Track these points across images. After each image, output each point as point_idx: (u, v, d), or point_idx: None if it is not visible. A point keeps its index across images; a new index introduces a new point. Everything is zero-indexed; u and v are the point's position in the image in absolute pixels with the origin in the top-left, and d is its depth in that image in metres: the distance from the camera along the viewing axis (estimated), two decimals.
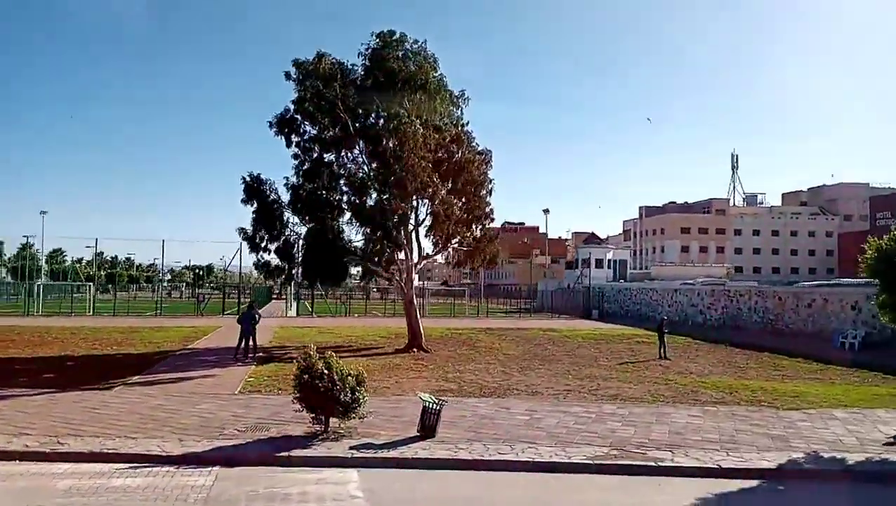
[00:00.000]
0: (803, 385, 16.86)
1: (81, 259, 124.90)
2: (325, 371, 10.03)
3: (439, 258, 26.60)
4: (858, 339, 25.61)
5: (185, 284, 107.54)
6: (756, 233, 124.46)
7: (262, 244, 21.22)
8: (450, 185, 23.40)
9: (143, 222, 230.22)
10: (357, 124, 21.32)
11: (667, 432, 11.16)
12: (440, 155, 22.35)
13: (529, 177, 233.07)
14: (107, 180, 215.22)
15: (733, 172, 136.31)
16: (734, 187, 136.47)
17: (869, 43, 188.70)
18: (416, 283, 23.98)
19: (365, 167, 21.47)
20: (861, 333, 25.57)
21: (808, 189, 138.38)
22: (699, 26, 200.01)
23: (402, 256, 24.14)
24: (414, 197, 21.45)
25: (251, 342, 19.36)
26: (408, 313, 23.71)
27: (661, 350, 22.89)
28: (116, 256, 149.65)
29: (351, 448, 9.56)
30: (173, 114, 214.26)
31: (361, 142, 21.25)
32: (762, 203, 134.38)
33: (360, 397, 10.25)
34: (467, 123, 24.94)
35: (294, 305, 49.93)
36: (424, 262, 25.81)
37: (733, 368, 20.47)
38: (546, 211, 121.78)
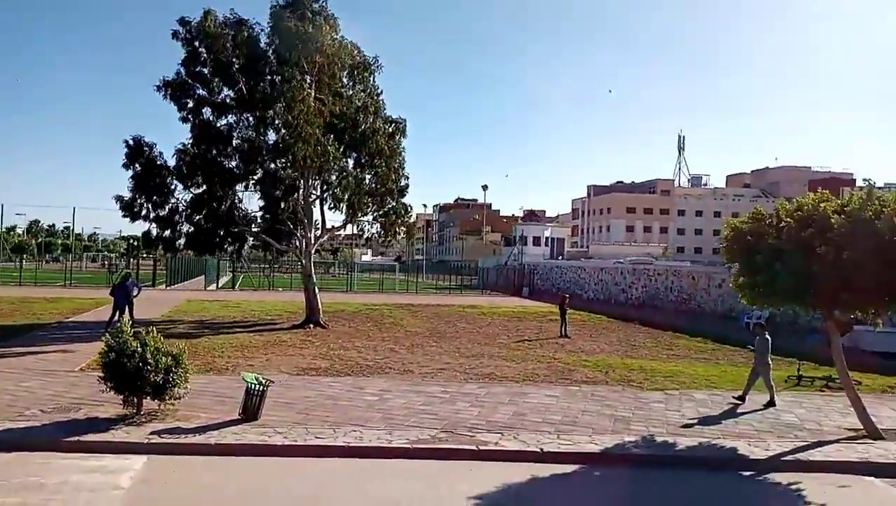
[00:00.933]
0: (685, 365, 16.80)
1: (14, 227, 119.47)
2: (139, 350, 9.26)
3: (351, 230, 25.74)
4: (763, 320, 25.87)
5: (116, 254, 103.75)
6: (699, 214, 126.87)
7: (143, 212, 20.01)
8: (355, 154, 22.56)
9: (85, 191, 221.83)
10: (252, 88, 20.21)
11: (511, 413, 10.77)
12: (343, 124, 21.45)
13: (486, 155, 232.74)
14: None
15: (679, 154, 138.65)
16: (680, 168, 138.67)
17: (823, 29, 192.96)
18: (314, 255, 23.10)
19: (255, 133, 20.37)
20: (765, 315, 25.84)
21: (752, 172, 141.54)
22: (650, 8, 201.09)
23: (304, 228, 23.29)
24: (312, 167, 20.52)
25: (126, 315, 18.32)
26: (305, 288, 22.94)
27: (563, 328, 22.79)
28: (54, 225, 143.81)
29: (152, 433, 8.84)
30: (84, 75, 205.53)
31: (260, 106, 20.15)
32: (706, 185, 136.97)
33: (176, 377, 9.50)
34: (381, 93, 24.09)
35: (223, 278, 48.54)
36: (328, 235, 25.00)
37: (627, 346, 20.42)
38: (485, 187, 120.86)
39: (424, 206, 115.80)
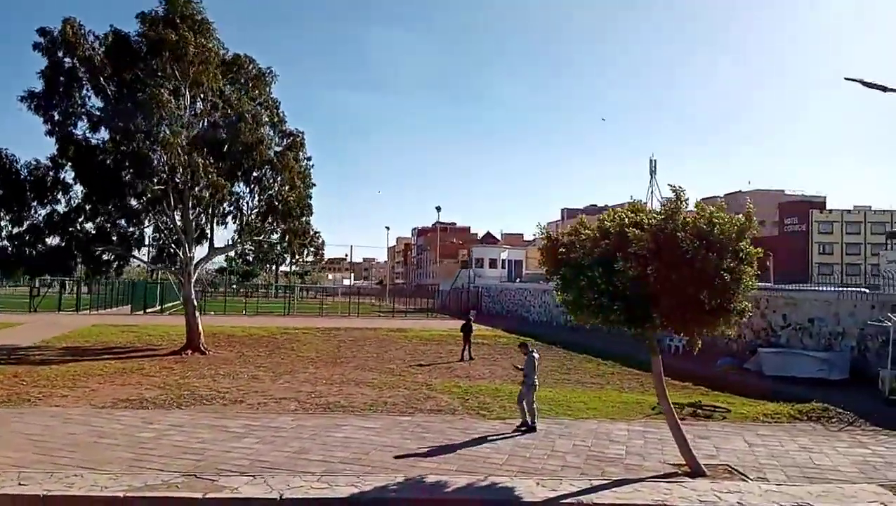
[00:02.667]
0: (568, 391, 15.59)
1: None
2: None
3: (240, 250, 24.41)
4: (682, 343, 24.76)
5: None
6: None
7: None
8: (240, 170, 21.42)
9: None
10: (119, 98, 19.06)
11: (296, 449, 9.46)
12: (219, 135, 20.32)
13: (470, 179, 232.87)
14: None
15: (651, 177, 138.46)
16: (652, 192, 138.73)
17: (790, 54, 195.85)
18: (194, 277, 21.73)
19: (118, 145, 19.13)
20: (685, 338, 24.73)
21: (725, 195, 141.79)
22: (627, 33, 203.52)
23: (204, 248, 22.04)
24: (180, 180, 19.29)
25: None
26: (185, 312, 21.56)
27: (465, 351, 21.66)
28: None
29: None
30: None
31: (125, 117, 18.96)
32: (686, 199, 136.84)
33: None
34: (279, 105, 23.09)
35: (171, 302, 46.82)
36: (216, 255, 23.70)
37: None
38: (438, 208, 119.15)
39: (387, 228, 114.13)
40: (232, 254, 26.09)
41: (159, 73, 18.65)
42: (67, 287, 44.20)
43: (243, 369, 17.67)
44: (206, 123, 20.28)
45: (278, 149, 22.78)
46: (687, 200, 9.14)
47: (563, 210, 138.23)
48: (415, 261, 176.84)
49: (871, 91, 10.00)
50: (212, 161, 19.57)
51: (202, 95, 20.68)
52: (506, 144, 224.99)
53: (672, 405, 9.55)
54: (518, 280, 59.89)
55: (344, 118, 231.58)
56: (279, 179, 22.41)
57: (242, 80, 22.24)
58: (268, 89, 22.75)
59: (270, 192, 22.37)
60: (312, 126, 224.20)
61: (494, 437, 10.65)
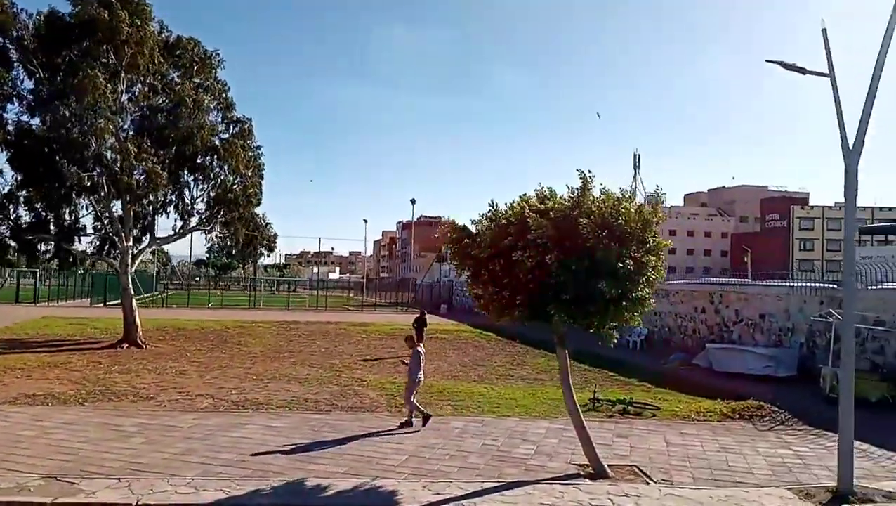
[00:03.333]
0: (502, 387, 15.14)
1: None
2: None
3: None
4: (641, 337, 24.45)
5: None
6: None
7: None
8: (167, 153, 20.68)
9: None
10: (47, 79, 18.33)
11: (176, 452, 8.87)
12: (156, 119, 19.64)
13: (459, 173, 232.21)
14: None
15: (635, 172, 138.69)
16: (636, 187, 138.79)
17: (779, 52, 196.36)
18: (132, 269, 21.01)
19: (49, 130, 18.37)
20: (643, 333, 24.40)
21: (709, 190, 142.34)
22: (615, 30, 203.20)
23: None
24: (111, 167, 18.57)
25: None
26: (122, 304, 20.89)
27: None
28: None
29: None
30: None
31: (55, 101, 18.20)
32: (663, 203, 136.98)
33: None
34: (227, 90, 22.42)
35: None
36: (157, 245, 23.04)
37: (471, 366, 18.85)
38: (413, 201, 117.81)
39: (365, 221, 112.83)
40: (206, 246, 25.27)
41: (92, 56, 17.88)
42: (38, 279, 43.21)
43: (174, 364, 17.05)
44: (144, 108, 19.53)
45: (225, 136, 22.14)
46: (593, 187, 8.52)
47: None
48: (399, 255, 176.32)
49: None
50: (149, 147, 18.88)
51: (142, 79, 19.93)
52: (495, 139, 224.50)
53: (577, 403, 9.05)
54: None
55: (337, 111, 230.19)
56: (225, 167, 21.77)
57: (187, 64, 21.51)
58: (214, 73, 22.05)
59: (215, 180, 21.68)
60: (307, 117, 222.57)
61: (403, 436, 10.14)
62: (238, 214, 22.32)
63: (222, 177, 21.96)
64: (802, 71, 8.77)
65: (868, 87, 7.95)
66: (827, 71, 8.36)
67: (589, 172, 8.37)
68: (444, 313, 44.07)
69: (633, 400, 13.00)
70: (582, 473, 8.59)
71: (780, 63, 9.00)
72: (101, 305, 40.57)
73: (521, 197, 8.98)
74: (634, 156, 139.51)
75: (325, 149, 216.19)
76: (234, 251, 24.12)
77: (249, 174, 22.43)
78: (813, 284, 17.58)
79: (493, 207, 9.03)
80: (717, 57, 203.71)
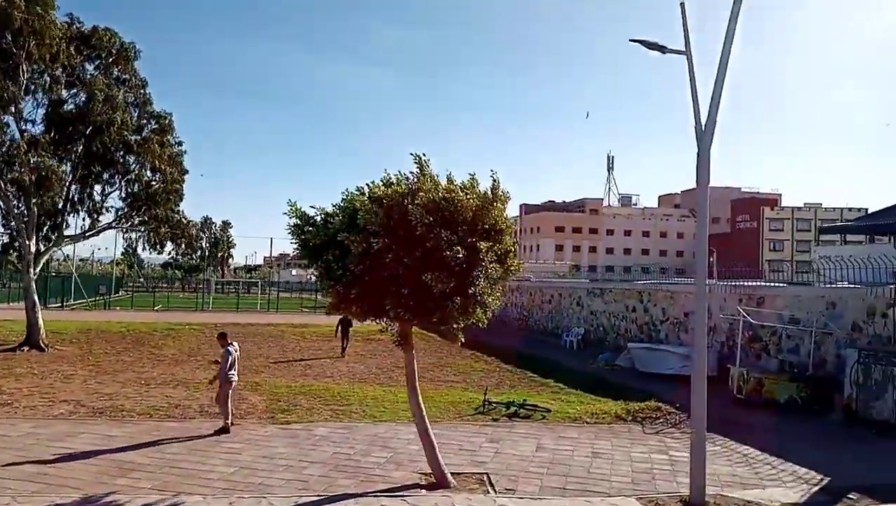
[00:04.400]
0: (403, 390, 14.39)
1: None
2: None
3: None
4: (578, 337, 23.90)
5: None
6: (628, 233, 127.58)
7: None
8: (77, 148, 19.79)
9: None
10: None
11: None
12: (66, 115, 18.75)
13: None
14: None
15: (609, 173, 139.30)
16: (609, 188, 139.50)
17: (762, 52, 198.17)
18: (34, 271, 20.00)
19: None
20: (580, 333, 23.86)
21: (682, 192, 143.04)
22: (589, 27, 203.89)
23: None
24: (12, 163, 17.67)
25: None
26: (25, 306, 19.92)
27: (343, 345, 20.55)
28: None
29: None
30: None
31: None
32: (636, 204, 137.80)
33: None
34: (145, 84, 21.53)
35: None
36: (63, 245, 22.11)
37: (393, 369, 18.12)
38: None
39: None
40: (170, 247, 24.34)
41: None
42: None
43: (67, 368, 16.16)
44: (48, 102, 18.61)
45: (146, 133, 21.28)
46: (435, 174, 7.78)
47: (521, 206, 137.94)
48: None
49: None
50: (47, 143, 17.95)
51: (49, 71, 19.02)
52: (472, 138, 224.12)
53: (423, 408, 8.36)
54: None
55: (336, 103, 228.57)
56: (145, 164, 20.91)
57: (103, 56, 20.62)
58: (131, 66, 21.16)
59: (129, 177, 20.80)
60: (309, 103, 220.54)
61: (248, 445, 9.38)
62: (157, 213, 21.43)
63: (138, 174, 21.08)
64: (662, 49, 8.20)
65: (717, 67, 7.41)
66: (684, 49, 7.80)
67: (424, 155, 7.67)
68: None
69: (525, 402, 12.36)
70: (423, 482, 7.93)
71: (642, 42, 8.44)
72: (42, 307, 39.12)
73: (370, 183, 8.27)
74: (608, 157, 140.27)
75: (313, 149, 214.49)
76: (156, 250, 23.03)
77: (170, 171, 21.55)
78: (731, 283, 17.11)
79: (346, 194, 8.26)
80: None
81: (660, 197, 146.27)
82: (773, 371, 13.86)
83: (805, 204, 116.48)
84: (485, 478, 8.15)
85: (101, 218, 20.68)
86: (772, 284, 16.37)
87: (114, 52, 20.71)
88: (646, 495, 7.70)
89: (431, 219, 7.25)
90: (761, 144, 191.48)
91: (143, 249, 22.73)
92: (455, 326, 7.99)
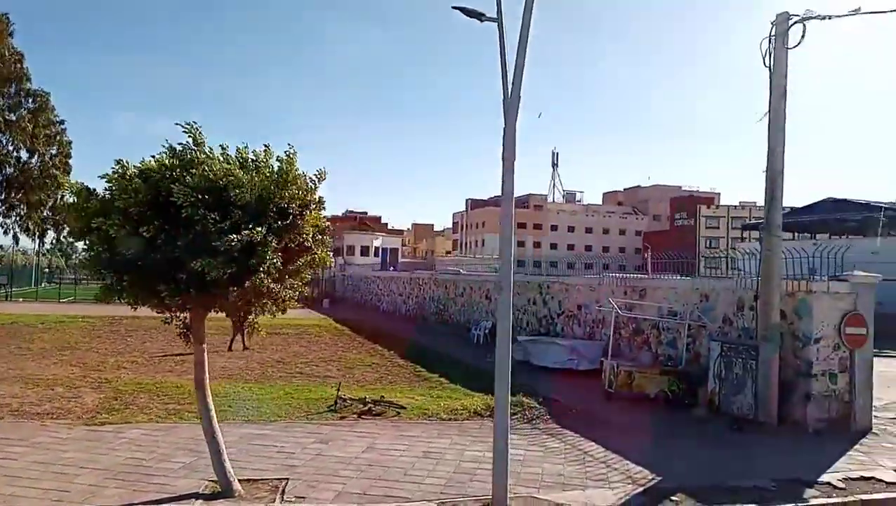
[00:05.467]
0: (271, 387, 13.52)
1: None
2: None
3: None
4: (486, 330, 23.34)
5: None
6: (571, 229, 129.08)
7: None
8: None
9: None
10: None
11: None
12: None
13: (378, 167, 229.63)
14: None
15: (553, 170, 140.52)
16: (554, 184, 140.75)
17: (700, 55, 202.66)
18: None
19: None
20: (488, 326, 23.32)
21: (625, 189, 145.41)
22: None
23: None
24: None
25: None
26: None
27: (242, 339, 19.52)
28: None
29: None
30: None
31: None
32: (580, 201, 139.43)
33: None
34: (22, 59, 20.00)
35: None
36: None
37: (276, 364, 17.18)
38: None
39: None
40: None
41: None
42: None
43: None
44: None
45: (21, 111, 19.74)
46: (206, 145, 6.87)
47: (467, 201, 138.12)
48: None
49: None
50: None
51: None
52: (418, 134, 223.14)
53: (210, 408, 7.50)
54: (392, 268, 57.89)
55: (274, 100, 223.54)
56: (20, 145, 19.39)
57: None
58: (7, 40, 19.58)
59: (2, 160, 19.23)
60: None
61: (34, 448, 8.40)
62: (36, 198, 19.92)
63: (16, 155, 19.52)
64: (480, 17, 7.54)
65: (519, 36, 6.80)
66: (496, 16, 7.16)
67: (195, 123, 6.78)
68: (326, 308, 42.24)
69: (382, 399, 11.64)
70: (206, 491, 7.11)
71: (462, 9, 7.77)
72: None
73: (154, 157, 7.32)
74: (553, 153, 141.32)
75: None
76: (33, 238, 21.47)
77: (48, 152, 20.07)
78: (617, 275, 16.81)
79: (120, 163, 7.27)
80: (636, 56, 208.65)
81: (604, 194, 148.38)
82: (646, 364, 13.51)
83: (740, 203, 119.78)
84: (280, 485, 7.38)
85: None
86: (656, 276, 16.08)
87: None
88: (449, 499, 7.08)
89: (196, 199, 6.38)
90: (715, 147, 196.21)
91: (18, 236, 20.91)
92: (246, 317, 7.23)
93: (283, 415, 10.77)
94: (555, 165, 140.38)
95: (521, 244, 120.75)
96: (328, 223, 8.04)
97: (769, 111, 11.18)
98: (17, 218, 20.49)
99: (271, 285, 6.79)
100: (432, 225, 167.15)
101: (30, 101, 19.81)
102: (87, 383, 13.17)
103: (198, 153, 6.70)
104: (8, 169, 19.42)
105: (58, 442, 8.72)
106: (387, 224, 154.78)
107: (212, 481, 7.36)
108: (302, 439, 9.34)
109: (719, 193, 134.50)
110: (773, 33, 11.13)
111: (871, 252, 40.16)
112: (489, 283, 24.18)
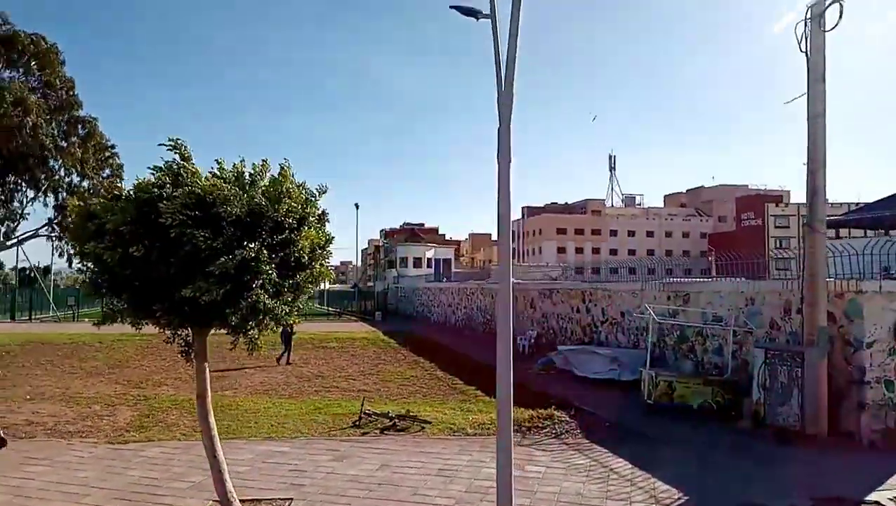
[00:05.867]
0: (301, 403, 13.50)
1: None
2: None
3: None
4: (531, 340, 22.86)
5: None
6: (631, 234, 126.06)
7: None
8: None
9: None
10: None
11: None
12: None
13: (433, 182, 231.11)
14: None
15: (611, 174, 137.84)
16: (612, 189, 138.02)
17: (757, 49, 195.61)
18: None
19: None
20: (533, 335, 22.83)
21: (687, 191, 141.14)
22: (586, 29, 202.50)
23: None
24: None
25: None
26: None
27: (286, 355, 19.87)
28: None
29: None
30: None
31: None
32: (640, 204, 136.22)
33: None
34: (73, 87, 20.90)
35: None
36: None
37: (304, 380, 17.23)
38: (356, 206, 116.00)
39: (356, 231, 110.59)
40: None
41: None
42: None
43: None
44: None
45: (73, 138, 20.64)
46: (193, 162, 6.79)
47: (523, 208, 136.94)
48: (384, 262, 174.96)
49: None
50: None
51: None
52: (472, 142, 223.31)
53: (213, 427, 7.37)
54: (445, 279, 57.85)
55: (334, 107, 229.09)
56: (67, 169, 20.28)
57: (25, 60, 20.01)
58: (59, 69, 20.53)
59: (54, 184, 20.17)
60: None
61: (53, 466, 8.53)
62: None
63: (67, 180, 20.42)
64: (476, 16, 7.26)
65: (509, 30, 6.49)
66: (489, 13, 6.86)
67: (178, 140, 6.70)
68: (378, 321, 42.43)
69: (408, 413, 11.38)
70: None
71: (458, 8, 7.51)
72: (27, 319, 38.67)
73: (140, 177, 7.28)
74: (610, 157, 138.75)
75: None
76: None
77: (102, 176, 20.89)
78: (662, 280, 16.05)
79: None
80: (700, 57, 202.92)
81: (665, 196, 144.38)
82: (687, 373, 12.77)
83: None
84: (283, 505, 7.21)
85: (15, 226, 20.02)
86: (701, 280, 15.27)
87: (39, 55, 20.12)
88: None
89: (184, 218, 6.29)
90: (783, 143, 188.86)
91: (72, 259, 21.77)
92: (247, 334, 7.09)
93: (305, 431, 10.65)
94: (612, 168, 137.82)
95: (579, 251, 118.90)
96: (333, 236, 7.84)
97: (807, 97, 10.41)
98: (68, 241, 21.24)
99: (267, 302, 6.63)
100: (490, 235, 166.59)
101: (80, 127, 20.51)
102: (125, 400, 13.46)
103: (186, 169, 6.63)
104: (62, 194, 20.07)
105: (78, 461, 8.85)
106: (444, 235, 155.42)
107: (215, 500, 7.25)
108: (318, 456, 9.18)
109: (788, 191, 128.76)
110: (808, 16, 10.40)
111: None
112: (533, 291, 23.66)
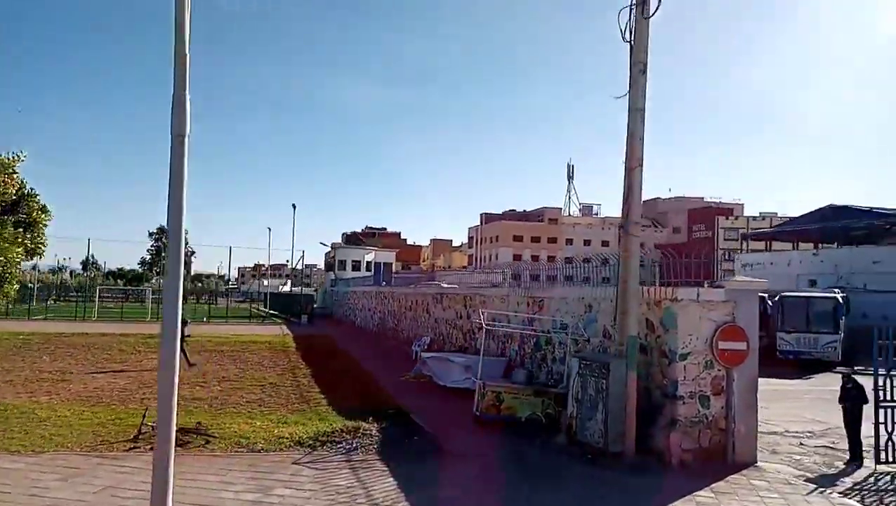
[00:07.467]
0: (98, 410, 12.29)
1: None
2: None
3: None
4: (424, 346, 21.92)
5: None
6: (587, 243, 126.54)
7: None
8: None
9: None
10: None
11: None
12: None
13: (397, 186, 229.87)
14: None
15: (569, 183, 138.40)
16: (570, 197, 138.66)
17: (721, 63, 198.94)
18: None
19: None
20: (427, 340, 21.91)
21: (644, 202, 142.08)
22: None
23: None
24: None
25: None
26: None
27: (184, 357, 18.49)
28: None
29: None
30: None
31: None
32: (597, 214, 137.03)
33: None
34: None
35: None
36: None
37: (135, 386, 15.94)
38: (293, 206, 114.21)
39: (269, 228, 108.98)
40: None
41: None
42: None
43: None
44: None
45: None
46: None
47: (482, 215, 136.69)
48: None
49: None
50: None
51: None
52: (441, 151, 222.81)
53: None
54: (384, 283, 56.67)
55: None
56: None
57: None
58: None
59: None
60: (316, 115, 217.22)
61: None
62: None
63: None
64: None
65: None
66: None
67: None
68: (302, 324, 41.14)
69: (196, 426, 10.26)
70: None
71: None
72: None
73: None
74: (568, 166, 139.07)
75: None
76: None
77: None
78: (525, 286, 15.27)
79: None
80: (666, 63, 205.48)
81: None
82: (519, 383, 11.92)
83: (760, 213, 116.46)
84: None
85: None
86: (555, 287, 14.50)
87: None
88: None
89: None
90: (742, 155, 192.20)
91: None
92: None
93: (68, 445, 9.45)
94: (570, 177, 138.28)
95: (534, 258, 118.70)
96: None
97: (629, 90, 9.66)
98: None
99: None
100: (450, 241, 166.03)
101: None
102: None
103: None
104: None
105: None
106: (405, 239, 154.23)
107: None
108: (47, 474, 8.02)
109: (742, 204, 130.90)
110: (632, 2, 9.65)
111: (873, 261, 37.80)
112: (428, 296, 22.74)
